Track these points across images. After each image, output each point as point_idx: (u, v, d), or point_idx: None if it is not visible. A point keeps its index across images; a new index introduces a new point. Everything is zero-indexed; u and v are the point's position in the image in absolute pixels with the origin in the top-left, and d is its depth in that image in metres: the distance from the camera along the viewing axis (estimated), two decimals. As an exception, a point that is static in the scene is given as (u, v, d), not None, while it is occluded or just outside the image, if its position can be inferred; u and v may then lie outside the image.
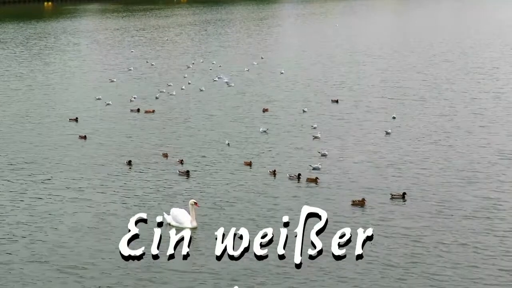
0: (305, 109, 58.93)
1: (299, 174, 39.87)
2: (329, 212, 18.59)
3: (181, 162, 43.33)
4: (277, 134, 51.26)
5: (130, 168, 42.46)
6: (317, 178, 39.53)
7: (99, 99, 66.01)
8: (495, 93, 63.67)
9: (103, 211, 35.75)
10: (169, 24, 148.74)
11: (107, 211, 35.71)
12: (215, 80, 74.55)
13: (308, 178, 39.54)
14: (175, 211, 33.30)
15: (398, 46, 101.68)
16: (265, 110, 58.44)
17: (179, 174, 41.07)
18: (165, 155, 45.04)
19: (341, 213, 34.38)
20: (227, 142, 48.81)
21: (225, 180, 40.20)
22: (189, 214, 32.87)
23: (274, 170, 40.86)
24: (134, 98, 65.57)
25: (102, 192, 38.68)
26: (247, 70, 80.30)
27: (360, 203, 35.14)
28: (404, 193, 36.22)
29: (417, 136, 49.81)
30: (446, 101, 61.43)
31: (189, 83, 73.26)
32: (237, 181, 40.01)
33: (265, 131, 51.51)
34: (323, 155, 44.68)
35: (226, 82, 73.23)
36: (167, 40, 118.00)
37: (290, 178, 39.83)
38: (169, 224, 33.03)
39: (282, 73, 78.80)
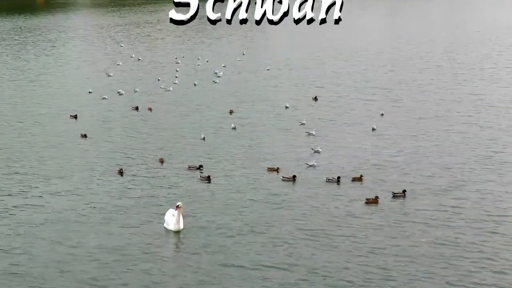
0: (287, 105, 59.94)
1: (339, 177, 38.89)
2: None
3: (199, 168, 41.23)
4: (265, 130, 51.99)
5: (122, 176, 40.57)
6: (361, 176, 39.35)
7: (90, 92, 67.16)
8: (478, 94, 64.00)
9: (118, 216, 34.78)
10: (159, 20, 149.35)
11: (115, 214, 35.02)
12: (215, 73, 76.15)
13: (353, 178, 39.25)
14: (169, 212, 33.05)
15: (386, 44, 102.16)
16: (231, 112, 57.42)
17: (200, 179, 39.53)
18: (161, 161, 43.44)
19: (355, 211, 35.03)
20: (202, 136, 49.42)
21: (243, 185, 39.05)
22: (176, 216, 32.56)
23: (294, 176, 39.62)
24: (122, 92, 66.67)
25: (105, 194, 37.75)
26: (224, 66, 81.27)
27: (373, 201, 35.56)
28: (405, 191, 36.61)
29: (404, 132, 50.67)
30: (433, 100, 62.08)
31: (176, 77, 74.69)
32: (260, 185, 39.04)
33: (234, 128, 51.95)
34: (316, 151, 45.18)
35: (215, 78, 74.15)
36: (153, 36, 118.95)
37: (328, 180, 39.05)
38: (163, 225, 33.06)
39: (268, 69, 79.84)
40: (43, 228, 33.21)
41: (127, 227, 33.07)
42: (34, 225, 33.47)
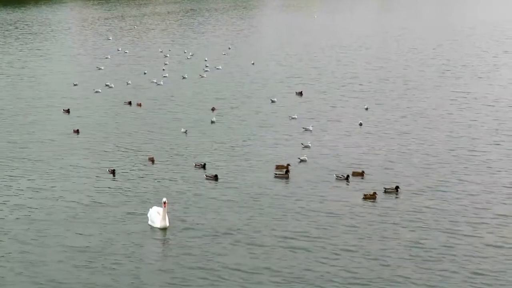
0: (274, 99, 60.13)
1: (348, 176, 38.40)
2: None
3: (203, 166, 40.39)
4: (253, 125, 52.00)
5: (113, 176, 39.44)
6: (363, 172, 39.11)
7: (76, 85, 67.44)
8: (464, 92, 64.09)
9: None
10: (144, 13, 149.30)
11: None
12: (206, 66, 77.11)
13: (354, 172, 39.04)
14: (153, 209, 32.43)
15: (373, 40, 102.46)
16: (213, 109, 56.52)
17: (207, 178, 38.60)
18: (151, 159, 42.44)
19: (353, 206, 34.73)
20: (183, 130, 49.43)
21: (235, 182, 38.28)
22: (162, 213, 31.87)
23: (287, 171, 39.20)
24: (112, 86, 66.73)
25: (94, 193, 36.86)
26: (206, 60, 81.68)
27: (371, 197, 35.47)
28: (397, 187, 36.55)
29: (389, 127, 51.03)
30: (418, 97, 62.39)
31: (163, 70, 75.56)
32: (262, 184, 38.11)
33: (213, 122, 52.09)
34: (306, 146, 45.10)
35: (201, 73, 74.18)
36: (138, 29, 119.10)
37: (337, 178, 38.59)
38: (148, 223, 32.17)
39: (253, 63, 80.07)
40: (28, 226, 32.43)
41: (113, 225, 32.32)
42: (17, 223, 32.68)
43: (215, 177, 38.48)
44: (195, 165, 40.93)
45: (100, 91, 64.43)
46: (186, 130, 49.47)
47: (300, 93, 62.72)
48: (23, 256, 29.24)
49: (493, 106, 58.22)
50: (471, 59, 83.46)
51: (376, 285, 26.64)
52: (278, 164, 40.88)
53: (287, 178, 38.92)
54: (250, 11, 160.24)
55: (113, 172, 39.79)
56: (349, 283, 26.79)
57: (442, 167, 41.27)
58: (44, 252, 29.52)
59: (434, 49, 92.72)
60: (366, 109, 56.52)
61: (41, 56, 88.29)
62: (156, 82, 68.50)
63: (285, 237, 30.90)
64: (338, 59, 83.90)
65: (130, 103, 59.09)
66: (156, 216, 31.90)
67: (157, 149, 45.48)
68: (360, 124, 51.41)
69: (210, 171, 39.87)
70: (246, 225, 32.27)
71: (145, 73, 73.79)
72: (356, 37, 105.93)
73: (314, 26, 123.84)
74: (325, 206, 34.71)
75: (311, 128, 49.85)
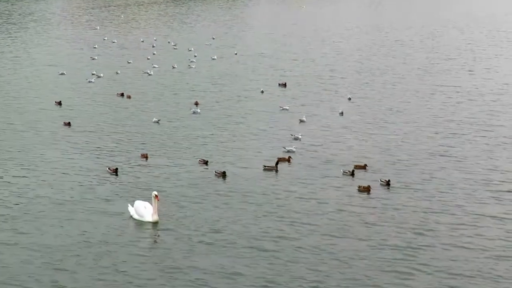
0: (263, 90, 59.62)
1: (353, 171, 37.71)
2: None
3: (206, 162, 39.32)
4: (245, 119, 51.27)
5: (115, 177, 37.30)
6: (365, 165, 38.72)
7: (62, 74, 67.00)
8: (448, 86, 63.69)
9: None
10: (128, 3, 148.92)
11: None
12: (195, 56, 77.44)
13: (356, 165, 38.50)
14: (138, 203, 31.35)
15: (360, 32, 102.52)
16: (197, 104, 54.97)
17: (215, 175, 37.29)
18: (145, 156, 40.97)
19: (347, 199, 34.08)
20: (155, 119, 48.85)
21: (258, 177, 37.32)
22: (152, 207, 30.87)
23: (277, 164, 38.59)
24: (100, 75, 66.19)
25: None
26: (190, 50, 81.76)
27: (365, 189, 35.11)
28: (389, 180, 36.13)
29: (371, 116, 50.83)
30: (401, 89, 62.13)
31: (148, 58, 75.85)
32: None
33: (196, 112, 51.64)
34: (296, 138, 44.65)
35: (189, 63, 74.05)
36: (122, 19, 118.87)
37: (344, 173, 37.80)
38: (131, 217, 31.05)
39: (235, 54, 79.72)
40: (5, 222, 31.08)
41: (101, 222, 31.00)
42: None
43: (223, 174, 37.32)
44: (199, 161, 39.78)
45: (93, 81, 63.69)
46: (158, 120, 48.76)
47: (284, 84, 62.05)
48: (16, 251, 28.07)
49: (481, 100, 57.89)
50: (459, 52, 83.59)
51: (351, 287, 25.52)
52: (280, 157, 40.07)
53: (276, 171, 38.22)
54: (236, 1, 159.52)
55: (115, 171, 37.87)
56: (319, 282, 25.57)
57: (432, 162, 40.49)
58: (14, 251, 28.11)
59: (421, 41, 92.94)
60: (349, 99, 56.33)
61: (26, 46, 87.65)
62: (148, 73, 67.98)
63: (271, 236, 29.61)
64: (324, 51, 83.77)
65: (122, 94, 58.24)
66: (144, 210, 30.98)
67: (150, 144, 43.89)
68: (341, 113, 51.05)
69: (207, 166, 38.92)
70: (233, 223, 30.96)
71: (129, 62, 73.74)
72: (343, 28, 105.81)
73: (302, 17, 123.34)
74: (315, 202, 33.66)
75: (305, 119, 49.12)
